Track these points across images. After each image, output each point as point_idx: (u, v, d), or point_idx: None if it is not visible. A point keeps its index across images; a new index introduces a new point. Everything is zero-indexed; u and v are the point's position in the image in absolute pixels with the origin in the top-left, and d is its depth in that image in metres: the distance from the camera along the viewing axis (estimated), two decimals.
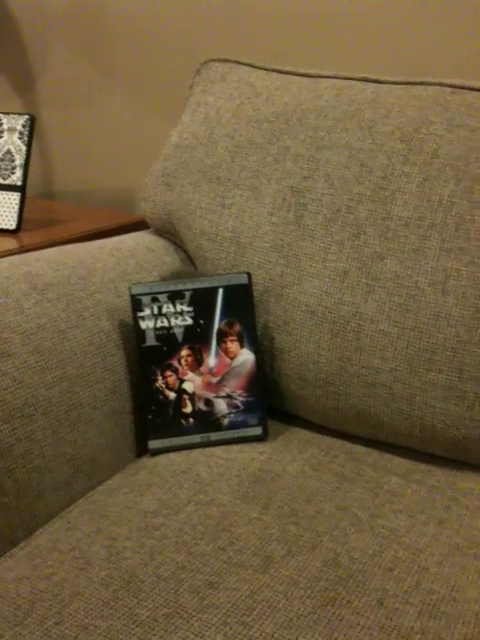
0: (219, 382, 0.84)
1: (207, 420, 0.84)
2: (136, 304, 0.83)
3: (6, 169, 1.17)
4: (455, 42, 1.09)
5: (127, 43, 1.41)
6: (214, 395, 0.84)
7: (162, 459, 0.81)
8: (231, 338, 0.84)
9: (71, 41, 1.48)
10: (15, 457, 0.71)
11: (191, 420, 0.83)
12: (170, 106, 1.41)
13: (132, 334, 0.86)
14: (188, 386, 0.83)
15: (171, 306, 0.83)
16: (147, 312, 0.83)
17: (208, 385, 0.84)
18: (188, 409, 0.83)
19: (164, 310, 0.83)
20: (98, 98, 1.49)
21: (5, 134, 1.17)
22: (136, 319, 0.83)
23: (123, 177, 1.53)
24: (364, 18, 1.15)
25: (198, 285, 0.84)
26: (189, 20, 1.32)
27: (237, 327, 0.84)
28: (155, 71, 1.40)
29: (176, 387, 0.83)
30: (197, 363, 0.84)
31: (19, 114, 1.16)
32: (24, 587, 0.61)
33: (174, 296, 0.83)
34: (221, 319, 0.84)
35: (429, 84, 0.88)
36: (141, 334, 0.83)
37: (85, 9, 1.43)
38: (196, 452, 0.82)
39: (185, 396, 0.83)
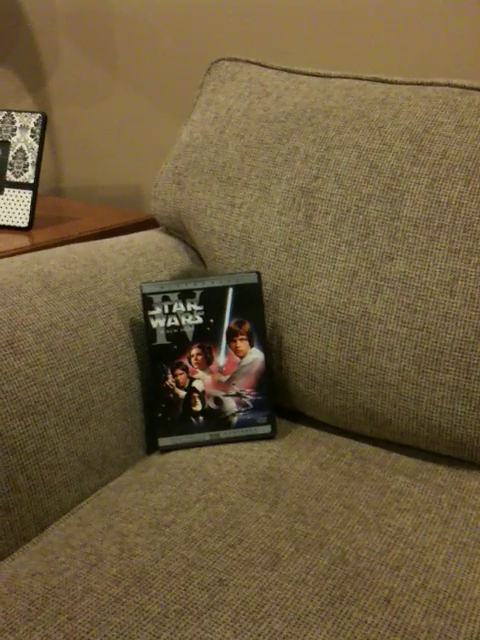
0: (228, 381, 0.85)
1: (216, 418, 0.85)
2: (147, 303, 0.84)
3: (19, 167, 1.18)
4: (465, 43, 1.09)
5: (137, 41, 1.42)
6: (223, 393, 0.85)
7: (172, 456, 0.82)
8: (241, 337, 0.85)
9: (82, 40, 1.48)
10: (28, 454, 0.72)
11: (201, 418, 0.84)
12: (180, 104, 1.41)
13: (143, 332, 0.87)
14: (198, 384, 0.84)
15: (182, 305, 0.84)
16: (158, 311, 0.84)
17: (218, 383, 0.85)
18: (198, 407, 0.84)
19: (174, 309, 0.84)
20: (108, 96, 1.50)
21: (18, 132, 1.18)
22: (147, 318, 0.84)
23: (132, 175, 1.53)
24: (373, 16, 1.15)
25: (208, 284, 0.85)
26: (198, 18, 1.32)
27: (247, 326, 0.85)
28: (165, 69, 1.40)
29: (186, 385, 0.84)
30: (207, 362, 0.85)
31: (31, 112, 1.17)
32: (37, 582, 0.62)
33: (184, 295, 0.84)
34: (231, 318, 0.85)
35: (438, 85, 0.88)
36: (152, 333, 0.84)
37: (95, 8, 1.44)
38: (205, 450, 0.83)
39: (195, 394, 0.84)
